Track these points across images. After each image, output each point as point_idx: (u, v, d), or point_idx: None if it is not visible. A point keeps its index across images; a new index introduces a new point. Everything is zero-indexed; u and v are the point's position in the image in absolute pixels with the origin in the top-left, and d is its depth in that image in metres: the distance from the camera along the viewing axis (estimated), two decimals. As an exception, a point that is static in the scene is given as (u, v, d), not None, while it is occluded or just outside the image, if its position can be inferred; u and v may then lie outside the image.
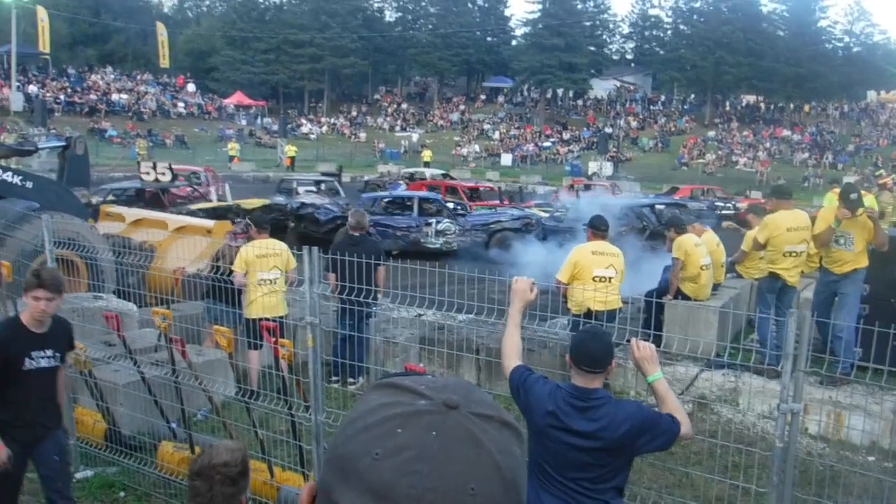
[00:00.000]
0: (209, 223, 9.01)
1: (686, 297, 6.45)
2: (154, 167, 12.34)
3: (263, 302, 5.53)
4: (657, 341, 3.35)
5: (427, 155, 35.95)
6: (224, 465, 2.08)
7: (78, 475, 4.51)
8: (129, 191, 12.81)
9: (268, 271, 5.61)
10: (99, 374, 4.64)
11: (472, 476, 0.56)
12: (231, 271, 5.35)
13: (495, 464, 0.58)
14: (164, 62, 42.94)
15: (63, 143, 8.91)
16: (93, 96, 39.12)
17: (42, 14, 36.31)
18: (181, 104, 43.05)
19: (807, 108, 46.17)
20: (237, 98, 45.19)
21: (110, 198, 11.82)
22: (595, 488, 2.37)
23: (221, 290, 5.06)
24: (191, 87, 45.70)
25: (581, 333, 2.57)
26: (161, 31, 43.11)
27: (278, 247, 5.70)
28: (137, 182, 12.66)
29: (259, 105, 46.26)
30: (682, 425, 2.44)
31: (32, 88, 37.14)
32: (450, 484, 0.56)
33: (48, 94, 36.77)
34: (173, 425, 4.43)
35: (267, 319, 4.46)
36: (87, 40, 49.77)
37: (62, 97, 37.78)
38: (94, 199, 11.04)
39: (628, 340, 2.68)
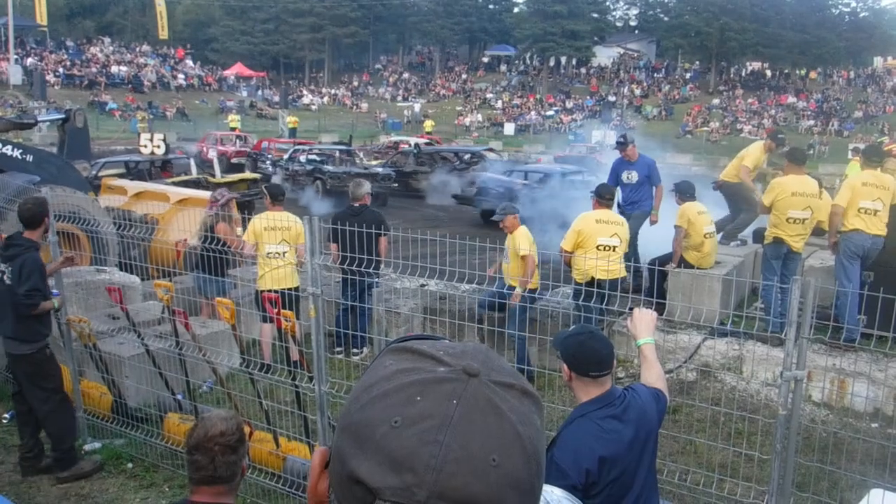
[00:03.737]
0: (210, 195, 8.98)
1: (689, 266, 6.42)
2: (151, 139, 12.40)
3: (273, 275, 5.53)
4: (661, 309, 3.33)
5: (429, 125, 35.63)
6: (221, 434, 2.08)
7: (86, 447, 4.58)
8: (121, 164, 12.92)
9: (276, 244, 5.59)
10: (104, 347, 4.67)
11: (494, 446, 0.55)
12: (213, 239, 5.35)
13: (517, 434, 0.57)
14: (163, 33, 42.36)
15: (63, 117, 8.83)
16: (92, 69, 38.67)
17: (38, -16, 35.71)
18: (181, 76, 42.55)
19: (812, 74, 45.34)
20: (237, 69, 44.64)
21: (103, 171, 11.86)
22: (654, 480, 2.34)
23: (206, 259, 5.06)
24: (189, 62, 45.10)
25: (574, 336, 2.27)
26: (159, 1, 42.38)
27: (289, 220, 5.67)
28: (136, 156, 12.72)
29: (259, 76, 45.73)
30: (667, 398, 2.43)
31: (31, 61, 36.73)
32: (471, 454, 0.54)
33: (47, 67, 36.35)
34: (179, 397, 4.47)
35: (275, 291, 4.46)
36: (84, 12, 48.99)
37: (61, 70, 37.37)
38: (86, 174, 11.10)
39: (631, 309, 2.65)
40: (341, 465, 0.57)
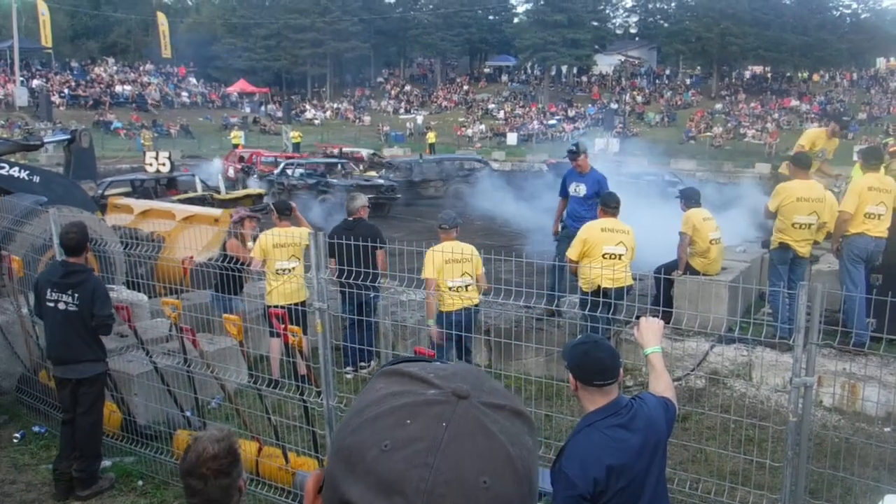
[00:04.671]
0: (216, 212, 9.03)
1: (696, 272, 6.39)
2: (156, 157, 12.46)
3: (282, 289, 5.54)
4: (668, 317, 3.31)
5: (431, 136, 35.77)
6: (213, 458, 2.06)
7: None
8: (126, 182, 12.89)
9: (286, 261, 5.60)
10: (112, 365, 4.69)
11: (485, 468, 0.55)
12: (229, 258, 5.37)
13: (507, 455, 0.56)
14: (166, 52, 42.80)
15: (68, 137, 8.94)
16: (96, 89, 39.11)
17: (43, 8, 36.18)
18: (184, 94, 42.96)
19: (815, 77, 45.31)
20: (240, 86, 45.03)
21: (110, 191, 11.86)
22: (664, 489, 2.32)
23: (221, 278, 5.09)
24: (192, 79, 45.54)
25: (579, 346, 2.29)
26: (161, 20, 42.89)
27: (297, 235, 5.69)
28: (142, 174, 12.79)
29: (262, 92, 46.07)
30: (676, 406, 2.43)
31: (36, 83, 37.17)
32: (462, 477, 0.54)
33: (52, 89, 36.78)
34: (188, 413, 4.47)
35: (280, 307, 4.47)
36: (88, 33, 49.67)
37: (66, 91, 37.79)
38: (91, 194, 11.12)
39: (639, 317, 2.65)
40: (333, 490, 0.57)
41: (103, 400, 4.33)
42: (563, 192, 6.98)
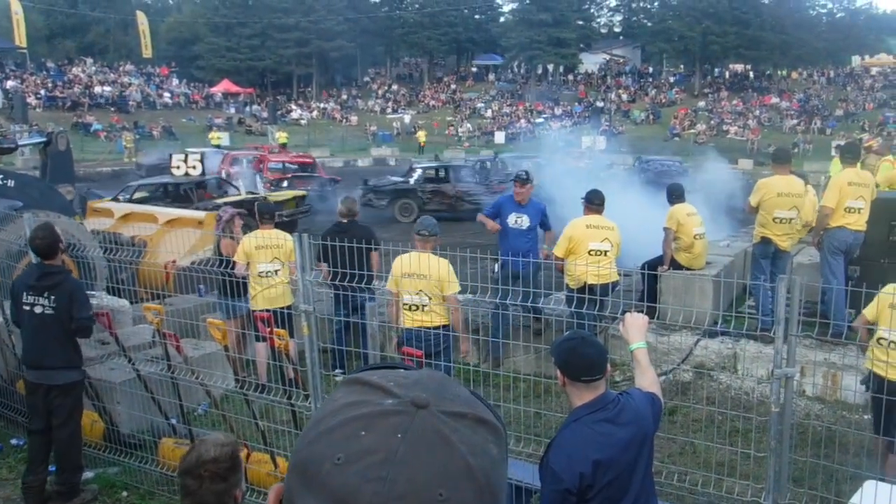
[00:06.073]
0: (200, 215, 8.94)
1: (681, 267, 6.45)
2: (185, 159, 11.48)
3: (266, 294, 5.49)
4: (652, 313, 3.33)
5: (422, 136, 35.70)
6: (213, 461, 2.05)
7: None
8: (156, 187, 12.04)
9: (268, 263, 5.56)
10: (94, 374, 4.62)
11: (442, 480, 0.53)
12: (222, 262, 5.32)
13: (467, 466, 0.55)
14: (147, 52, 42.25)
15: (44, 139, 8.76)
16: (75, 90, 38.51)
17: (16, 7, 35.57)
18: (167, 94, 42.47)
19: (794, 74, 45.98)
20: (224, 86, 44.56)
21: (137, 195, 11.23)
22: (651, 482, 2.33)
23: (224, 282, 5.05)
24: (174, 80, 45.06)
25: (566, 342, 2.30)
26: (142, 20, 42.36)
27: (279, 237, 5.64)
28: (167, 177, 11.85)
29: (247, 92, 45.68)
30: (662, 401, 2.44)
31: (11, 84, 36.46)
32: (417, 490, 0.52)
33: (28, 90, 36.17)
34: (173, 421, 4.42)
35: (267, 311, 4.43)
36: (65, 32, 48.85)
37: (43, 92, 37.13)
38: (121, 197, 10.67)
39: (625, 313, 2.67)
40: None
41: (81, 410, 4.23)
42: (491, 214, 6.22)
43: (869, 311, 3.78)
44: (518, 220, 6.06)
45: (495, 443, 0.59)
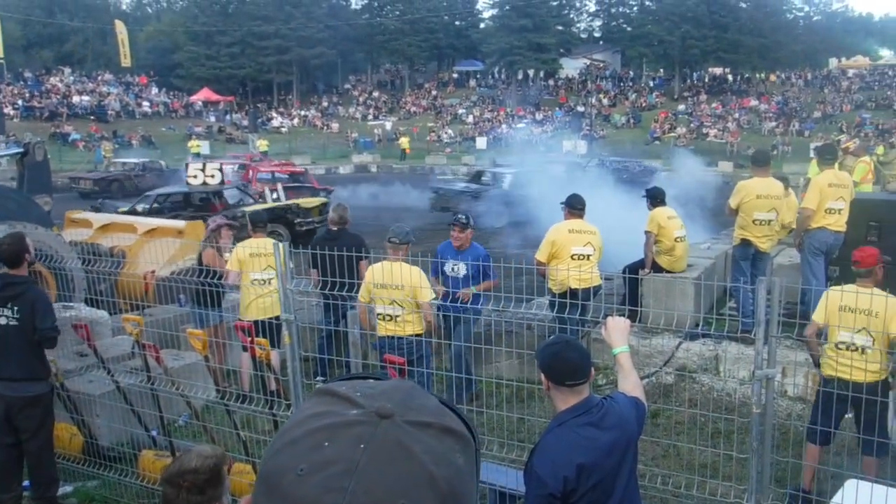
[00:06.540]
0: (180, 224, 8.84)
1: (662, 270, 6.50)
2: (203, 168, 11.28)
3: (258, 304, 5.42)
4: (633, 316, 3.35)
5: (405, 142, 35.71)
6: (193, 471, 2.03)
7: (58, 492, 4.41)
8: (174, 196, 11.75)
9: (260, 271, 5.49)
10: (72, 386, 4.54)
11: (403, 490, 0.53)
12: (205, 270, 5.25)
13: (429, 476, 0.54)
14: (126, 61, 41.82)
15: (21, 150, 8.63)
16: (53, 100, 37.97)
17: (-8, 17, 35.06)
18: (146, 103, 42.03)
19: (772, 77, 46.82)
20: (204, 94, 44.23)
21: (155, 205, 11.00)
22: (635, 486, 2.33)
23: (197, 291, 4.98)
24: (153, 89, 44.63)
25: (550, 346, 2.30)
26: (120, 29, 41.93)
27: (272, 246, 5.57)
28: (184, 186, 11.63)
29: (227, 100, 45.37)
30: (646, 405, 2.45)
31: (-13, 95, 35.96)
32: (377, 500, 0.52)
33: (5, 100, 35.60)
34: (153, 433, 4.34)
35: (260, 321, 4.38)
36: (42, 42, 48.16)
37: (20, 102, 36.59)
38: (140, 208, 10.46)
39: (607, 316, 2.68)
40: None
41: (52, 422, 4.13)
42: (435, 272, 5.56)
43: (818, 316, 3.84)
44: (455, 268, 5.54)
45: (462, 452, 0.59)
